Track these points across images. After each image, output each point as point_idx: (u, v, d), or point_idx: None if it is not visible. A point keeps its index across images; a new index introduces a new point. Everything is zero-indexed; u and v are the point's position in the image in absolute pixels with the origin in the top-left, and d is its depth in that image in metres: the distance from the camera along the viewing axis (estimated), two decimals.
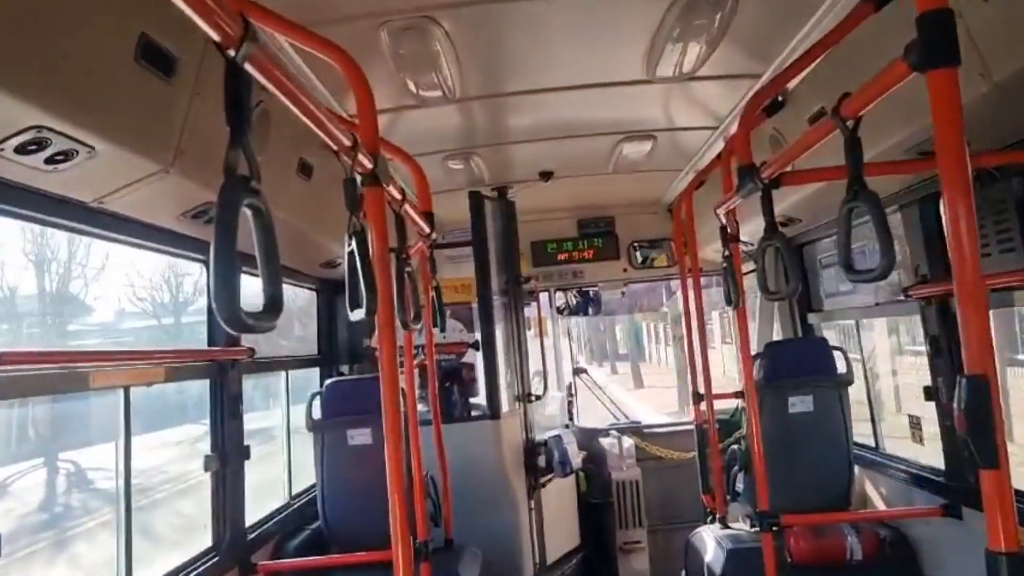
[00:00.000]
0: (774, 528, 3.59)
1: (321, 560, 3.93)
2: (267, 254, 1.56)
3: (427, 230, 3.82)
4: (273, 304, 1.54)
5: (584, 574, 6.37)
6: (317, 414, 4.37)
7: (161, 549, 5.37)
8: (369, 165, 2.44)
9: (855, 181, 2.28)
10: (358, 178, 2.43)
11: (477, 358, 5.51)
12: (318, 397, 4.38)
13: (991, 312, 1.81)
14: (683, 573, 5.23)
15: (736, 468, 4.45)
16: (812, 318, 5.41)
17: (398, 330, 2.74)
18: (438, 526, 4.67)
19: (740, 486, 4.54)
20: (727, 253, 3.87)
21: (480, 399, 5.52)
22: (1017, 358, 8.64)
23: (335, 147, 2.30)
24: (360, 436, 4.28)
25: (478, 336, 5.49)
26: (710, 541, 4.47)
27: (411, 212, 3.45)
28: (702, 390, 5.37)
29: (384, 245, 2.53)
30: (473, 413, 5.63)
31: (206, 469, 3.71)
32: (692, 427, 7.03)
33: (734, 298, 3.81)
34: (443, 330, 4.24)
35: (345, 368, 5.74)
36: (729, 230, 3.88)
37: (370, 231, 2.42)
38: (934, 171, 1.81)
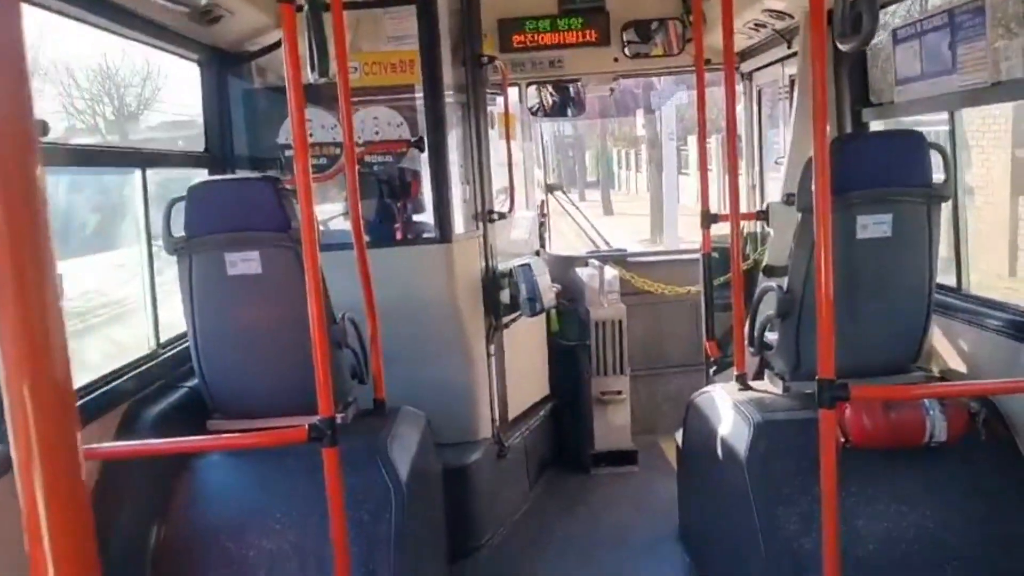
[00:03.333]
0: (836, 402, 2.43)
1: (175, 445, 2.72)
2: None
3: None
4: None
5: (553, 429, 5.35)
6: (181, 230, 3.02)
7: None
8: None
9: None
10: None
11: (423, 163, 4.14)
12: (180, 205, 3.01)
13: None
14: (679, 437, 4.18)
15: (771, 313, 3.25)
16: (869, 115, 4.06)
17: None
18: (363, 383, 3.48)
19: (773, 336, 3.36)
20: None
21: (427, 216, 4.20)
22: None
23: None
24: (245, 262, 2.96)
25: (423, 133, 4.09)
26: (726, 407, 3.35)
27: None
28: (716, 209, 4.10)
29: None
30: (419, 235, 4.32)
31: None
32: (689, 257, 5.89)
33: None
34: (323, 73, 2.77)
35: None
36: None
37: None
38: None
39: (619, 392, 5.24)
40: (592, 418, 5.25)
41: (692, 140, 26.70)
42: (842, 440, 2.85)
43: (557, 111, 5.94)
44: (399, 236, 4.15)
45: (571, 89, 5.92)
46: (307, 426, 2.50)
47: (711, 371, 4.38)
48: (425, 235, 4.17)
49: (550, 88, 5.92)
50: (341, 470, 2.54)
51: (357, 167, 4.13)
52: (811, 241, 2.81)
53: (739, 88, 5.73)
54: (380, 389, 3.54)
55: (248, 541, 2.85)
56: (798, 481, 2.88)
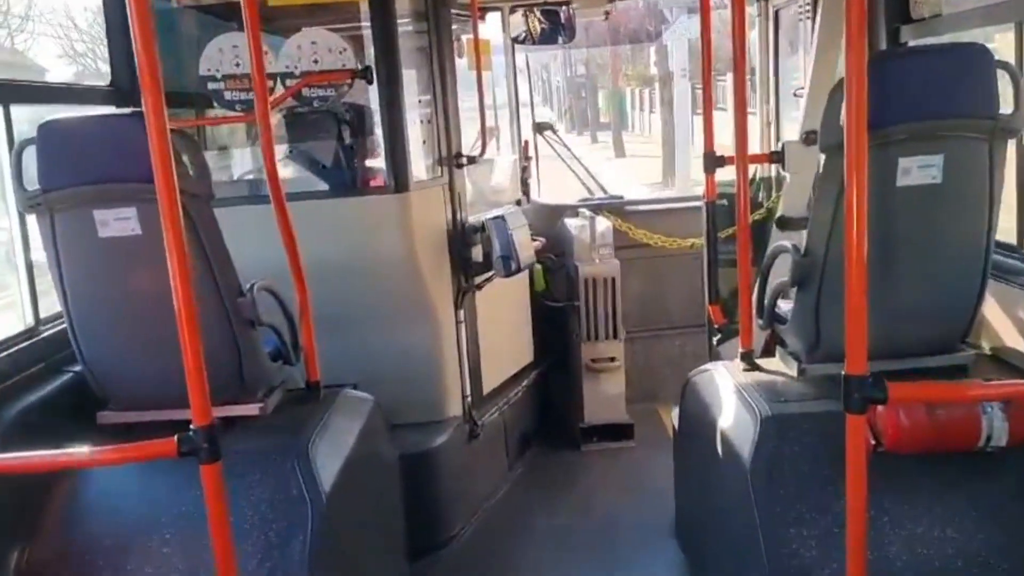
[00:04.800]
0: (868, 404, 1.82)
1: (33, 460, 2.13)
2: None
3: None
4: None
5: (538, 400, 4.78)
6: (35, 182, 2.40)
7: None
8: None
9: None
10: None
11: (372, 97, 3.49)
12: (30, 149, 2.38)
13: None
14: (675, 416, 3.59)
15: (785, 280, 2.61)
16: (908, 33, 3.35)
17: None
18: (291, 363, 2.90)
19: (787, 306, 2.73)
20: None
21: (380, 161, 3.56)
22: None
23: None
24: (119, 221, 2.35)
25: (372, 61, 3.43)
26: (728, 392, 2.74)
27: None
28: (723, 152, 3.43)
29: None
30: (371, 183, 3.69)
31: None
32: (693, 205, 5.22)
33: None
34: None
35: None
36: None
37: None
38: None
39: (612, 359, 4.64)
40: (582, 388, 4.66)
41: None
42: (872, 443, 2.24)
43: (546, 38, 5.20)
44: (344, 185, 3.52)
45: (560, 14, 5.18)
46: (175, 438, 1.92)
47: (714, 341, 3.76)
48: (374, 183, 3.54)
49: (537, 13, 5.18)
50: (225, 488, 1.97)
51: (294, 104, 3.53)
52: (838, 189, 2.17)
53: (752, 9, 5.00)
54: (313, 370, 2.95)
55: (128, 567, 2.30)
56: (815, 494, 2.28)
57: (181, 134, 2.43)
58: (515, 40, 5.21)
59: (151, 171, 2.18)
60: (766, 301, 2.79)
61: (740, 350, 2.94)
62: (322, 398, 2.93)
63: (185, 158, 2.35)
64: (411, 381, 3.74)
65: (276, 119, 3.44)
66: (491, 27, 5.19)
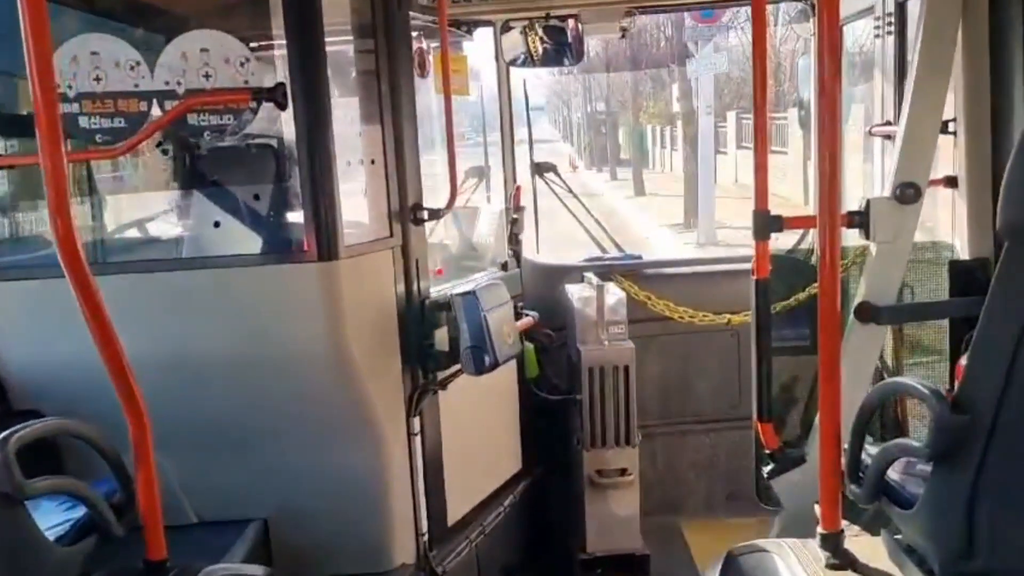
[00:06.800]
0: None
1: None
2: None
3: None
4: None
5: (526, 521, 3.71)
6: None
7: None
8: None
9: None
10: None
11: (287, 128, 2.49)
12: None
13: None
14: None
15: (905, 443, 1.56)
16: None
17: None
18: (112, 535, 1.86)
19: (901, 477, 1.67)
20: None
21: (298, 216, 2.55)
22: None
23: None
24: None
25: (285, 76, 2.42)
26: None
27: None
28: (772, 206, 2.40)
29: None
30: (286, 248, 2.68)
31: None
32: (730, 268, 4.18)
33: None
34: None
35: None
36: None
37: None
38: None
39: (624, 471, 3.55)
40: (584, 507, 3.57)
41: (731, 117, 24.63)
42: None
43: (549, 59, 4.21)
44: (247, 249, 2.52)
45: (567, 31, 4.19)
46: None
47: (764, 472, 2.70)
48: (290, 248, 2.54)
49: (539, 30, 4.19)
50: None
51: (171, 134, 2.55)
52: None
53: (805, 27, 4.01)
54: (156, 542, 1.91)
55: None
56: None
57: None
58: (511, 63, 4.22)
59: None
60: (874, 467, 1.73)
61: (820, 530, 1.86)
62: None
63: None
64: (343, 517, 2.70)
65: (150, 156, 2.45)
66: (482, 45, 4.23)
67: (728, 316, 3.84)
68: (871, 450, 1.86)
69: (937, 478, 1.56)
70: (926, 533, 1.63)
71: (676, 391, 4.10)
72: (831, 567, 1.79)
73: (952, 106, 2.77)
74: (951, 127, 2.80)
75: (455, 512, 3.12)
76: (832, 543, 1.83)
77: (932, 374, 3.08)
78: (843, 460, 1.84)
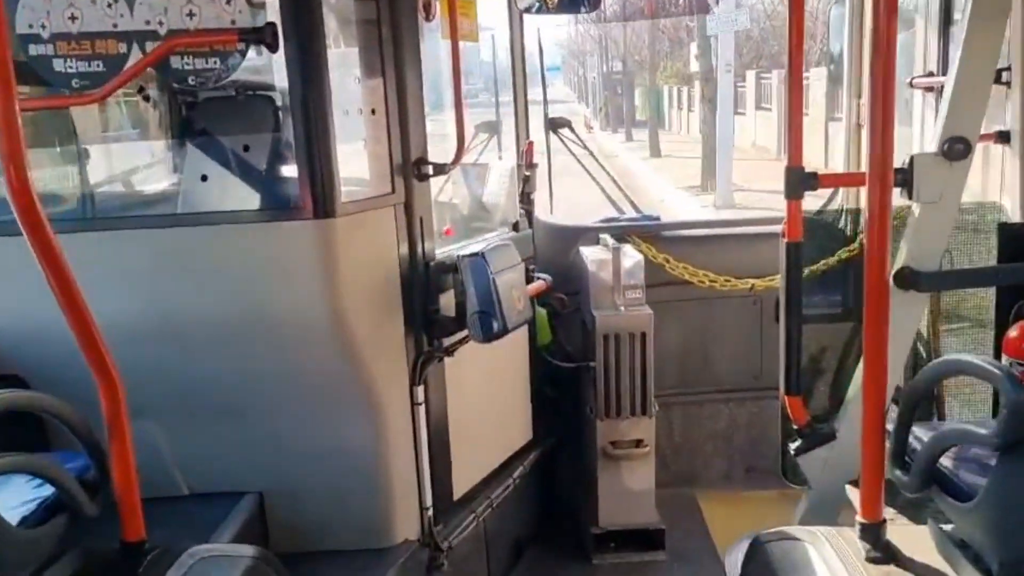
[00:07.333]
0: None
1: None
2: None
3: None
4: None
5: (536, 493, 3.56)
6: None
7: None
8: None
9: None
10: None
11: (279, 73, 2.29)
12: None
13: None
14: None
15: (963, 428, 1.38)
16: None
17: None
18: (87, 513, 1.71)
19: (955, 466, 1.49)
20: None
21: (292, 170, 2.37)
22: None
23: None
24: None
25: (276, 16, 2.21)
26: None
27: None
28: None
29: None
30: (280, 204, 2.50)
31: None
32: (754, 230, 3.97)
33: None
34: None
35: None
36: None
37: None
38: None
39: (639, 442, 3.39)
40: (597, 479, 3.42)
41: (750, 76, 24.06)
42: None
43: (564, 6, 3.96)
44: (239, 205, 2.34)
45: None
46: None
47: (791, 448, 2.52)
48: (286, 204, 2.36)
49: None
50: None
51: (157, 78, 2.35)
52: None
53: None
54: (134, 523, 1.76)
55: None
56: None
57: None
58: (525, 10, 3.97)
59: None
60: (917, 445, 1.54)
61: (859, 519, 1.68)
62: (151, 557, 1.75)
63: None
64: (343, 491, 2.56)
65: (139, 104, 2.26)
66: None
67: (752, 281, 3.64)
68: (918, 431, 1.68)
69: (1004, 469, 1.38)
70: (988, 529, 1.45)
71: (694, 359, 3.92)
72: (872, 560, 1.62)
73: (1007, 55, 2.54)
74: (1004, 77, 2.57)
75: (461, 485, 2.97)
76: (873, 534, 1.65)
77: (969, 345, 2.89)
78: (887, 442, 1.65)
